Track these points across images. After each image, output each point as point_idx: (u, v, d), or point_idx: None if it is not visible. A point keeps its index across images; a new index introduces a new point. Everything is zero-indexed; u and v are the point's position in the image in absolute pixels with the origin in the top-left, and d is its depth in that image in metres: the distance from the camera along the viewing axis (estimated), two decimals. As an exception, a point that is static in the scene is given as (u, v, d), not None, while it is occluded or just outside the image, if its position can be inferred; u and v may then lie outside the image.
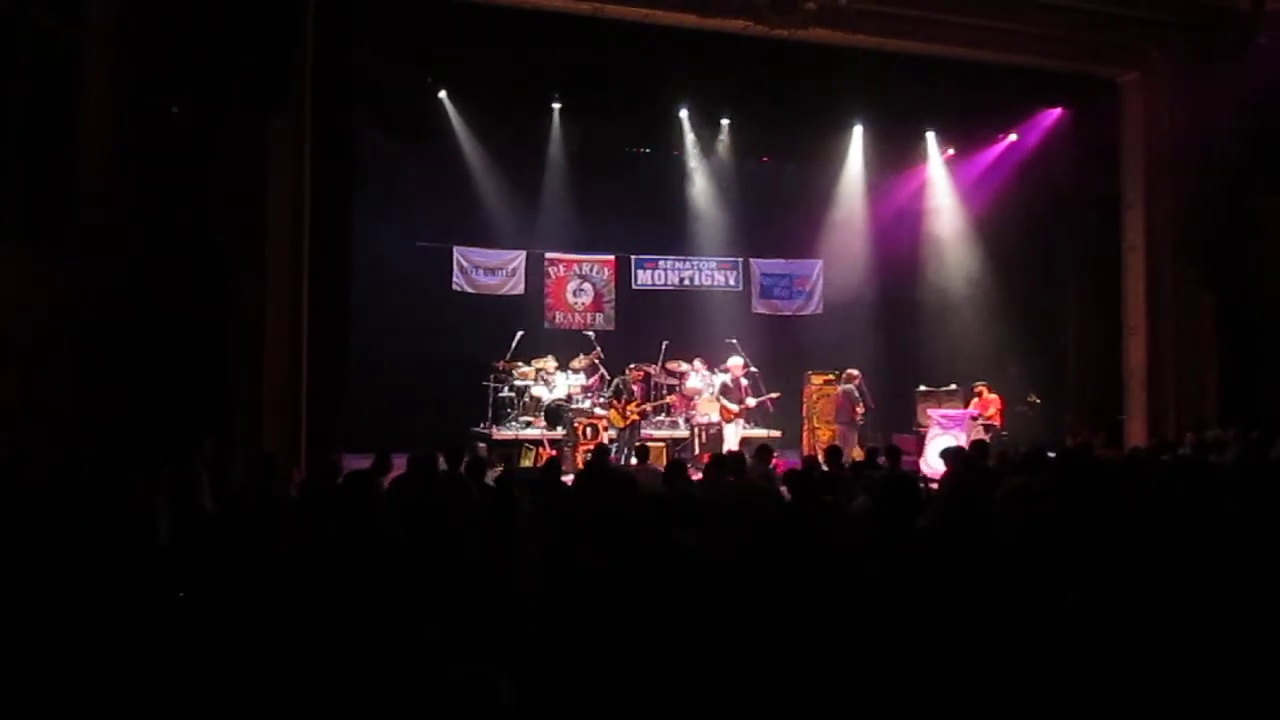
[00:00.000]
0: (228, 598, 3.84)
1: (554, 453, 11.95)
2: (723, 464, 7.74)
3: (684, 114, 14.58)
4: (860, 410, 13.36)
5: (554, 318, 15.88)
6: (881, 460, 7.99)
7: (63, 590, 3.61)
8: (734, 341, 14.06)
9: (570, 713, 3.69)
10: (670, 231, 16.12)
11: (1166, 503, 5.32)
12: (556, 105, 14.18)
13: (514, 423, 13.56)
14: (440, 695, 2.84)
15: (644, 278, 16.37)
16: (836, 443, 11.80)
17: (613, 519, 5.20)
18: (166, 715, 3.26)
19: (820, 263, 16.91)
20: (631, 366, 13.49)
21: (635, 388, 13.17)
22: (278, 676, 3.44)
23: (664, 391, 14.12)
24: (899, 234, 16.63)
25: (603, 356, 14.07)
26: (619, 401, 12.84)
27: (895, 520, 4.62)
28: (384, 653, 3.60)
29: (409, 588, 4.18)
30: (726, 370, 13.56)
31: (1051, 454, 7.93)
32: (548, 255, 15.83)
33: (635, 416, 12.90)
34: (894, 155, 15.79)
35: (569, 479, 8.71)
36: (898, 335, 16.39)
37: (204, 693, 3.35)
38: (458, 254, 15.14)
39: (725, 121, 14.98)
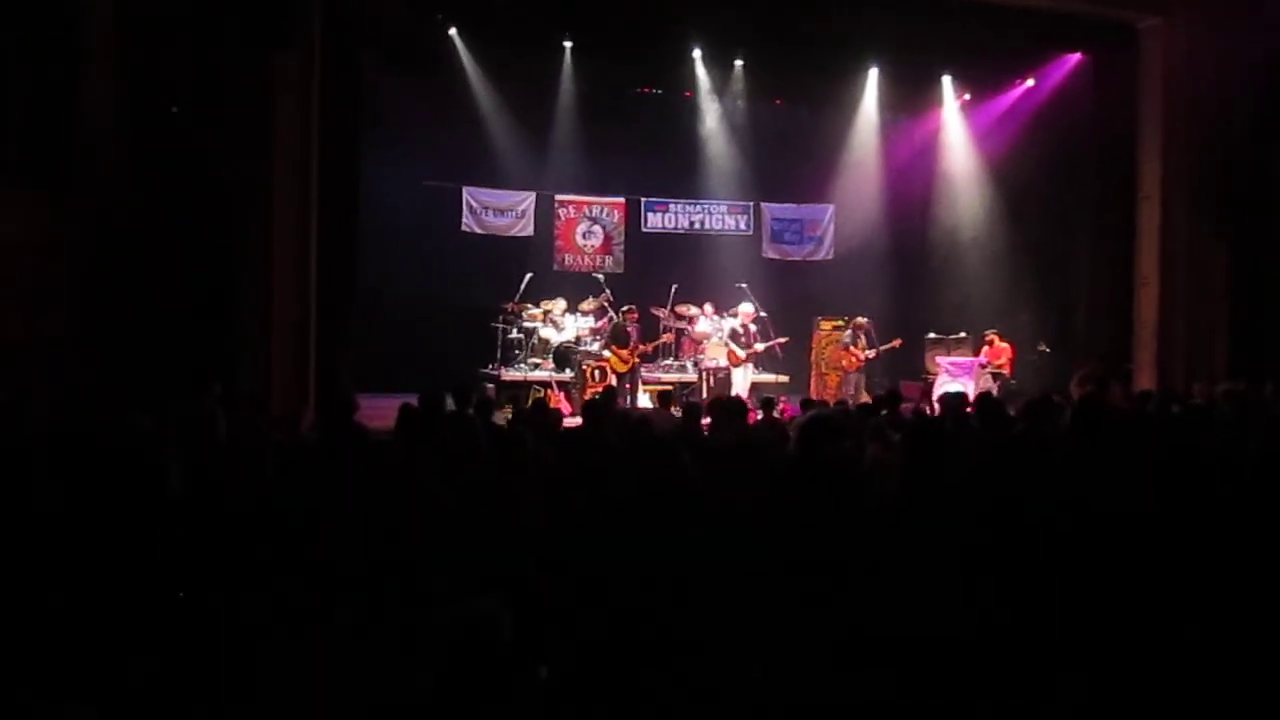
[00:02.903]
0: (240, 538, 3.88)
1: (546, 394, 12.00)
2: (727, 408, 7.73)
3: (697, 54, 14.37)
4: (856, 357, 13.34)
5: (563, 260, 15.83)
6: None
7: (73, 532, 3.64)
8: (744, 286, 14.01)
9: (571, 648, 3.74)
10: (681, 174, 16.00)
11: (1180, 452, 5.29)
12: (568, 44, 13.98)
13: (522, 364, 13.58)
14: (444, 629, 2.88)
15: (654, 220, 16.29)
16: (839, 390, 11.84)
17: (623, 460, 5.23)
18: (178, 656, 3.31)
19: (832, 208, 16.79)
20: (625, 308, 13.39)
21: (631, 330, 13.12)
22: (285, 613, 3.49)
23: (661, 331, 14.04)
24: (912, 179, 16.47)
25: (612, 299, 14.03)
26: (620, 346, 12.82)
27: (923, 471, 4.57)
28: (390, 588, 3.64)
29: (417, 525, 4.22)
30: (736, 315, 13.54)
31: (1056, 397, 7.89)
32: (557, 197, 15.74)
33: (635, 360, 12.91)
34: (909, 99, 15.58)
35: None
36: (908, 282, 16.27)
37: (213, 631, 3.40)
38: (467, 194, 15.07)
39: (738, 63, 14.76)
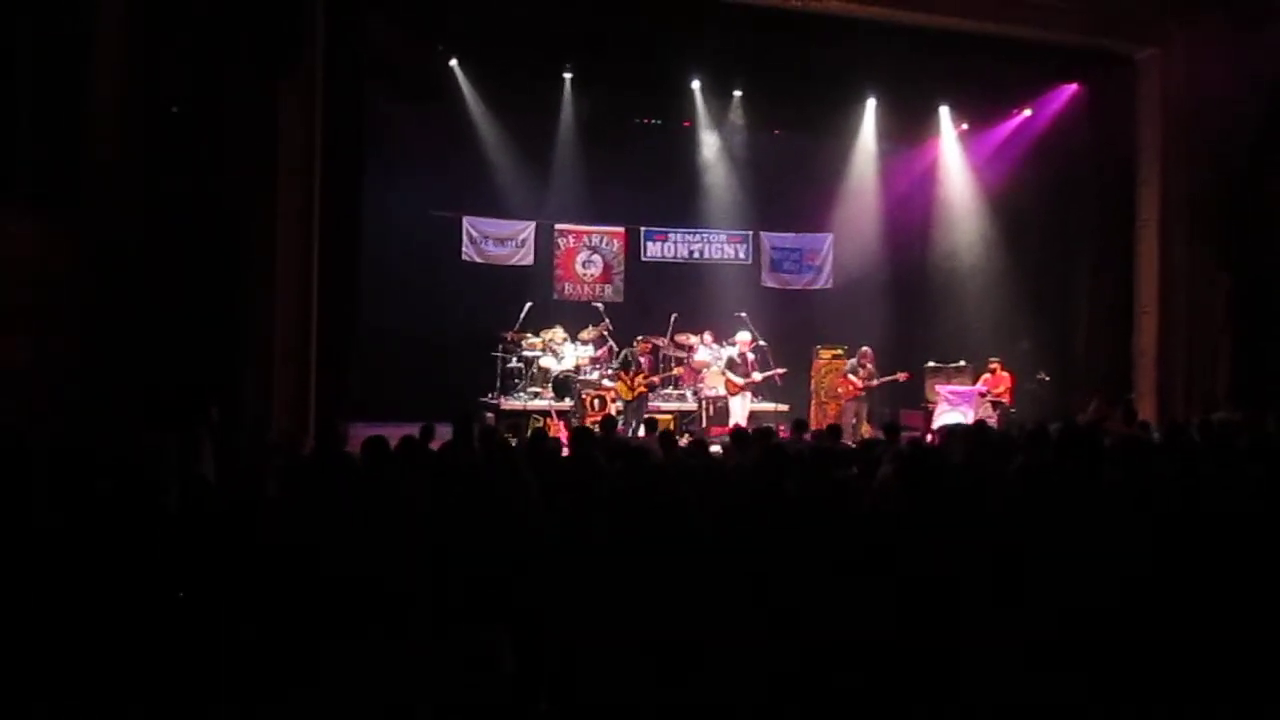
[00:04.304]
0: (232, 565, 3.85)
1: (546, 424, 11.99)
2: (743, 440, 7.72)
3: (696, 85, 14.48)
4: (854, 386, 13.30)
5: (563, 289, 15.86)
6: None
7: (74, 557, 3.62)
8: (743, 315, 14.03)
9: (571, 674, 3.71)
10: (680, 204, 16.06)
11: (1179, 484, 5.28)
12: (568, 75, 14.09)
13: (522, 393, 13.58)
14: (444, 657, 2.86)
15: (653, 250, 16.32)
16: (839, 419, 11.84)
17: (619, 488, 5.20)
18: (176, 681, 3.28)
19: (831, 237, 16.84)
20: (639, 339, 13.54)
21: (643, 360, 13.20)
22: (285, 641, 3.46)
23: (671, 364, 14.13)
24: (910, 209, 16.53)
25: (611, 328, 14.06)
26: (626, 374, 12.86)
27: (919, 492, 4.60)
28: (390, 616, 3.62)
29: (417, 552, 4.20)
30: (734, 344, 13.56)
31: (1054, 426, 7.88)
32: (557, 226, 15.79)
33: (643, 389, 12.92)
34: (907, 129, 15.67)
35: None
36: (908, 310, 16.29)
37: (212, 656, 3.38)
38: (467, 224, 15.12)
39: (737, 93, 14.87)
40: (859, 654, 3.49)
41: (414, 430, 7.11)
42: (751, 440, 7.41)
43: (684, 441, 9.03)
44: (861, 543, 4.14)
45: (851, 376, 13.41)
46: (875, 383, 13.37)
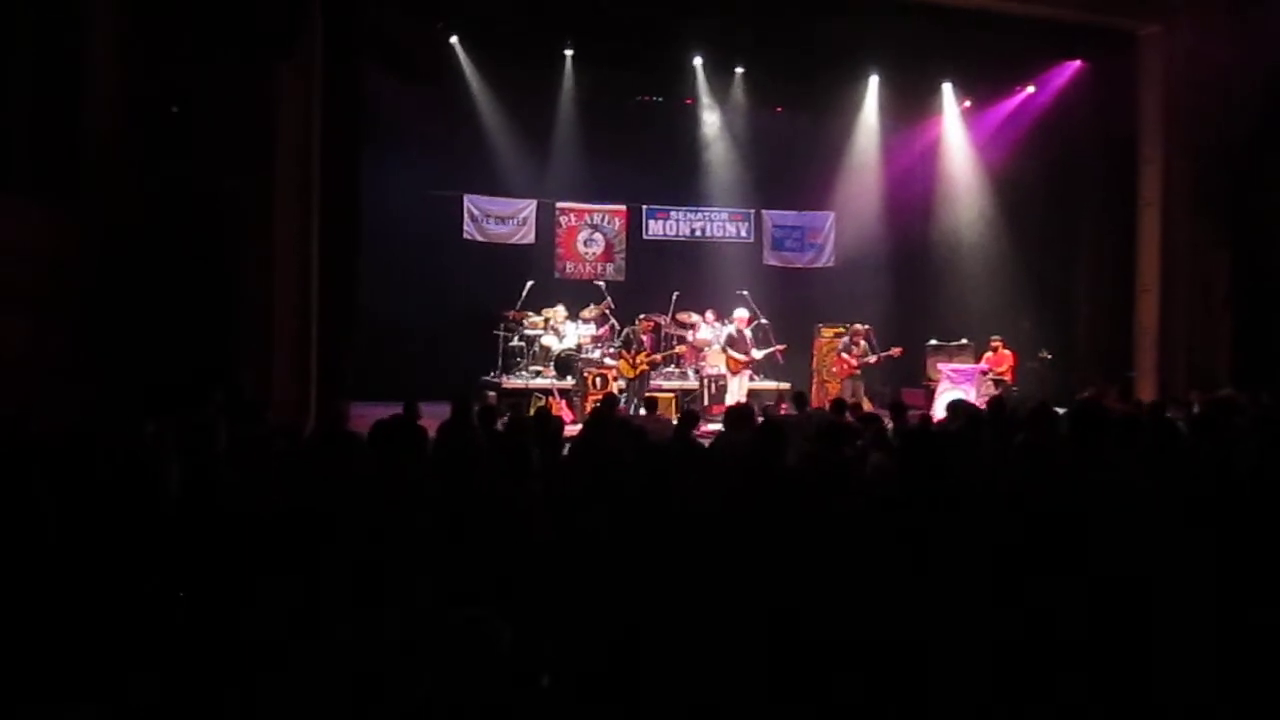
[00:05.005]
0: (239, 545, 3.88)
1: (548, 402, 12.00)
2: (738, 418, 7.72)
3: (697, 62, 14.43)
4: (847, 364, 13.28)
5: (564, 268, 15.85)
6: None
7: (74, 541, 3.65)
8: (744, 293, 14.02)
9: (570, 659, 3.73)
10: (682, 182, 16.03)
11: (1178, 459, 5.29)
12: (569, 52, 14.05)
13: (524, 372, 13.60)
14: (442, 638, 2.88)
15: (655, 228, 16.30)
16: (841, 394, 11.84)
17: (618, 470, 5.23)
18: (175, 664, 3.31)
19: (833, 215, 16.81)
20: (641, 317, 13.54)
21: (645, 338, 13.21)
22: (283, 622, 3.49)
23: (674, 343, 14.14)
24: (913, 186, 16.49)
25: (613, 307, 14.06)
26: (628, 352, 12.87)
27: (918, 479, 4.57)
28: (390, 595, 3.64)
29: (417, 532, 4.22)
30: (733, 322, 13.56)
31: (1061, 410, 7.90)
32: (559, 205, 15.77)
33: (644, 367, 12.93)
34: (910, 106, 15.62)
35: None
36: (910, 288, 16.28)
37: (211, 639, 3.40)
38: (468, 202, 15.10)
39: (739, 70, 14.83)
40: (855, 648, 3.50)
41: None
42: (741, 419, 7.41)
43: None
44: (858, 529, 4.14)
45: (845, 355, 13.41)
46: (871, 359, 13.34)
